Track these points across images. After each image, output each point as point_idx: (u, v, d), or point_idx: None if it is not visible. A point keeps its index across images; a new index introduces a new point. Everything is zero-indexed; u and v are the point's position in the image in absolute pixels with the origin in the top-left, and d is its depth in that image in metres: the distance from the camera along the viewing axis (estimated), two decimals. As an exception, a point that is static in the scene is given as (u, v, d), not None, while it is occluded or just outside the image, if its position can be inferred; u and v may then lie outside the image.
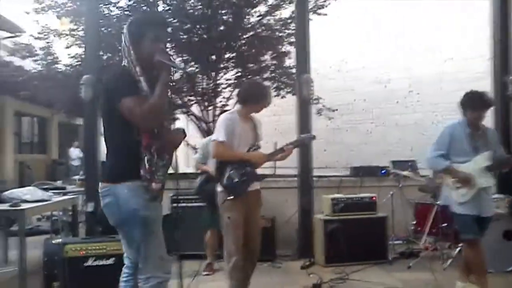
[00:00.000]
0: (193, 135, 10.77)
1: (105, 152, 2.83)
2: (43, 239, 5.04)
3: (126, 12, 8.54)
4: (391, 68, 10.97)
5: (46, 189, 5.54)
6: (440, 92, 10.53)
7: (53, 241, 4.74)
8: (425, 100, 10.74)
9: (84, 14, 7.49)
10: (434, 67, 10.71)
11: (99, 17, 7.34)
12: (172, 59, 2.84)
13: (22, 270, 4.65)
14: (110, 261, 4.25)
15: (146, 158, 2.66)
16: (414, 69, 10.72)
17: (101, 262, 4.24)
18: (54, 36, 9.09)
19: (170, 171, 2.90)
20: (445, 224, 5.52)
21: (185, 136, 3.13)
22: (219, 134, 4.13)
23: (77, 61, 9.11)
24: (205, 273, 5.37)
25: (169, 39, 8.63)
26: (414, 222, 6.21)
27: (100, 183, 2.80)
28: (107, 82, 2.85)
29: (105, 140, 2.84)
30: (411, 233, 6.36)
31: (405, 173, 6.41)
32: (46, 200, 4.99)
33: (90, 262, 4.22)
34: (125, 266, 2.91)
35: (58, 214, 6.07)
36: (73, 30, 9.02)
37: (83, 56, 8.01)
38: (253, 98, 4.23)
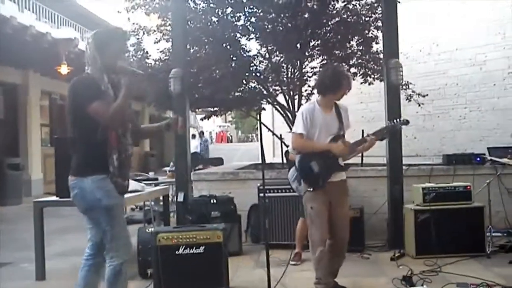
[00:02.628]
0: (279, 125, 10.83)
1: (74, 149, 3.16)
2: (137, 228, 5.26)
3: (211, 5, 8.69)
4: (487, 48, 10.30)
5: (139, 180, 5.80)
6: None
7: (147, 230, 4.97)
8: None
9: (170, 9, 7.72)
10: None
11: (185, 12, 7.51)
12: (131, 65, 3.23)
13: (119, 257, 4.93)
14: (200, 249, 4.36)
15: (114, 156, 3.07)
16: (510, 50, 9.99)
17: (191, 251, 4.36)
18: (144, 33, 9.45)
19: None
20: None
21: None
22: (297, 126, 4.14)
23: (165, 56, 9.41)
24: (293, 262, 5.36)
25: (253, 29, 8.70)
26: (515, 213, 5.83)
27: (69, 177, 3.14)
28: (73, 89, 3.12)
29: (73, 139, 3.17)
30: (513, 225, 5.97)
31: (504, 160, 6.03)
32: (139, 191, 5.22)
33: (181, 250, 4.34)
34: (87, 247, 3.27)
35: (151, 204, 6.33)
36: (161, 25, 9.31)
37: (171, 50, 8.25)
38: (330, 86, 4.14)
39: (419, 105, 9.11)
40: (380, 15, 7.97)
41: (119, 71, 3.14)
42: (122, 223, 3.23)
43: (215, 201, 5.93)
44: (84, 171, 3.08)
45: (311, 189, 4.07)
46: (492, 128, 10.11)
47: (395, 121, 4.32)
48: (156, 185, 6.30)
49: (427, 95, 9.23)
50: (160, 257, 4.33)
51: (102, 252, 3.21)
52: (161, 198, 6.17)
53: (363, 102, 11.72)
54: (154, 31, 9.47)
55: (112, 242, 3.12)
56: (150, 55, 9.71)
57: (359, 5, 8.76)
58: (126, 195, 5.03)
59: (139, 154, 19.94)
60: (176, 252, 4.34)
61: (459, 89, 10.73)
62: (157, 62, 9.47)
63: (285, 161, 6.53)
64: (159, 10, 9.06)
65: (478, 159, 6.78)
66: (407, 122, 4.28)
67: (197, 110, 12.43)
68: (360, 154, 4.42)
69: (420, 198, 5.61)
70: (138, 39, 9.58)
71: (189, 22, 8.13)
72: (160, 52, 9.58)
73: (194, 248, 4.37)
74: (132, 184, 5.26)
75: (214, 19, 8.69)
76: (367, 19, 8.71)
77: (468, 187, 5.64)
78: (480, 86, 10.40)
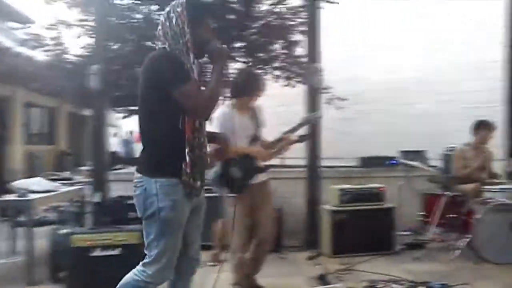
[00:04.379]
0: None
1: (143, 141, 2.68)
2: (49, 229, 5.06)
3: (136, 2, 8.53)
4: (401, 57, 10.83)
5: (53, 180, 5.59)
6: (451, 82, 10.40)
7: (60, 232, 4.78)
8: (435, 90, 10.60)
9: (93, 4, 7.50)
10: (446, 56, 10.57)
11: (108, 7, 7.32)
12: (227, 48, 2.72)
13: (29, 260, 4.72)
14: (117, 251, 4.27)
15: (187, 151, 2.54)
16: (425, 58, 10.58)
17: (107, 252, 4.25)
18: (64, 27, 9.12)
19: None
20: (453, 215, 5.51)
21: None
22: None
23: (87, 51, 9.14)
24: (211, 263, 5.37)
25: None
26: (422, 213, 6.17)
27: (135, 173, 2.67)
28: (155, 67, 2.58)
29: (142, 130, 2.65)
30: (419, 224, 6.32)
31: (413, 163, 6.36)
32: (53, 191, 5.02)
33: (96, 252, 4.23)
34: None
35: (65, 205, 6.10)
36: (83, 20, 9.04)
37: (92, 46, 8.02)
38: (245, 88, 4.17)
39: (339, 109, 9.41)
40: (304, 20, 8.16)
41: (213, 51, 2.64)
42: (175, 242, 2.64)
43: (133, 201, 5.80)
44: (153, 170, 2.55)
45: (234, 195, 4.04)
46: (405, 132, 10.63)
47: (309, 115, 4.59)
48: (71, 185, 6.08)
49: (346, 99, 9.55)
50: (74, 260, 4.20)
51: (184, 262, 2.78)
52: (76, 198, 5.96)
53: (285, 104, 11.91)
54: (76, 25, 9.16)
55: (154, 259, 2.60)
56: (70, 51, 9.39)
57: (285, 8, 8.93)
58: (37, 195, 4.89)
59: (54, 152, 19.12)
60: (91, 254, 4.22)
61: (376, 95, 11.18)
62: (78, 58, 9.17)
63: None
64: (81, 4, 8.78)
65: (392, 161, 7.12)
66: (320, 116, 4.44)
67: (117, 108, 12.16)
68: (280, 156, 4.48)
69: (336, 199, 5.80)
70: (58, 33, 9.25)
71: (112, 18, 7.94)
72: (82, 47, 9.28)
73: (111, 250, 4.27)
74: (45, 184, 5.08)
75: (139, 16, 8.54)
76: (291, 23, 8.89)
77: (381, 189, 5.91)
78: (395, 92, 10.91)
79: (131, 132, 23.04)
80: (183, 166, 2.53)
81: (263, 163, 4.22)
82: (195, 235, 2.83)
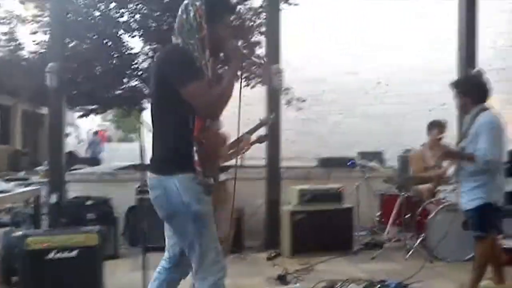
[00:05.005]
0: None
1: (153, 140, 2.62)
2: (3, 232, 4.90)
3: (94, -1, 8.38)
4: (360, 59, 11.03)
5: (7, 180, 5.42)
6: (408, 84, 10.66)
7: (13, 234, 4.63)
8: (393, 92, 10.85)
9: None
10: (403, 59, 10.82)
11: (64, 3, 7.15)
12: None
13: (-20, 264, 4.55)
14: (73, 253, 4.16)
15: (195, 149, 2.50)
16: (383, 60, 10.80)
17: (63, 255, 4.14)
18: (18, 22, 8.86)
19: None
20: (408, 215, 5.66)
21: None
22: None
23: (42, 48, 8.91)
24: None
25: (137, 26, 8.53)
26: (379, 213, 6.31)
27: (148, 174, 2.62)
28: (166, 63, 2.52)
29: (154, 128, 2.61)
30: (376, 224, 6.46)
31: (371, 164, 6.50)
32: (7, 191, 4.87)
33: (52, 255, 4.11)
34: (163, 258, 2.78)
35: (20, 206, 5.92)
36: (38, 16, 8.80)
37: (48, 43, 7.83)
38: None
39: (298, 110, 9.50)
40: (264, 21, 8.20)
41: (229, 51, 2.59)
42: (213, 234, 2.59)
43: (90, 202, 5.72)
44: (170, 168, 2.49)
45: None
46: (363, 133, 10.83)
47: (267, 116, 4.84)
48: (26, 185, 5.92)
49: (305, 100, 9.65)
50: (28, 263, 4.07)
51: (180, 267, 2.72)
52: (32, 199, 5.80)
53: (247, 104, 11.93)
54: (30, 21, 8.91)
55: (201, 258, 2.53)
56: (24, 47, 9.13)
57: (244, 9, 8.95)
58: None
59: (8, 152, 18.47)
60: (47, 257, 4.09)
61: (335, 96, 11.35)
62: (33, 55, 8.93)
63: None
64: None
65: (350, 162, 7.23)
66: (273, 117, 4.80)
67: (74, 107, 11.92)
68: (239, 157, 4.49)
69: (296, 200, 5.86)
70: (11, 28, 8.97)
71: (69, 15, 7.77)
72: (36, 44, 9.04)
73: (67, 251, 4.15)
74: (-2, 185, 4.92)
75: (97, 13, 8.39)
76: (251, 23, 8.92)
77: (340, 189, 6.00)
78: (353, 94, 11.10)
79: (95, 133, 22.56)
80: (195, 164, 2.50)
81: (223, 163, 4.23)
82: None
